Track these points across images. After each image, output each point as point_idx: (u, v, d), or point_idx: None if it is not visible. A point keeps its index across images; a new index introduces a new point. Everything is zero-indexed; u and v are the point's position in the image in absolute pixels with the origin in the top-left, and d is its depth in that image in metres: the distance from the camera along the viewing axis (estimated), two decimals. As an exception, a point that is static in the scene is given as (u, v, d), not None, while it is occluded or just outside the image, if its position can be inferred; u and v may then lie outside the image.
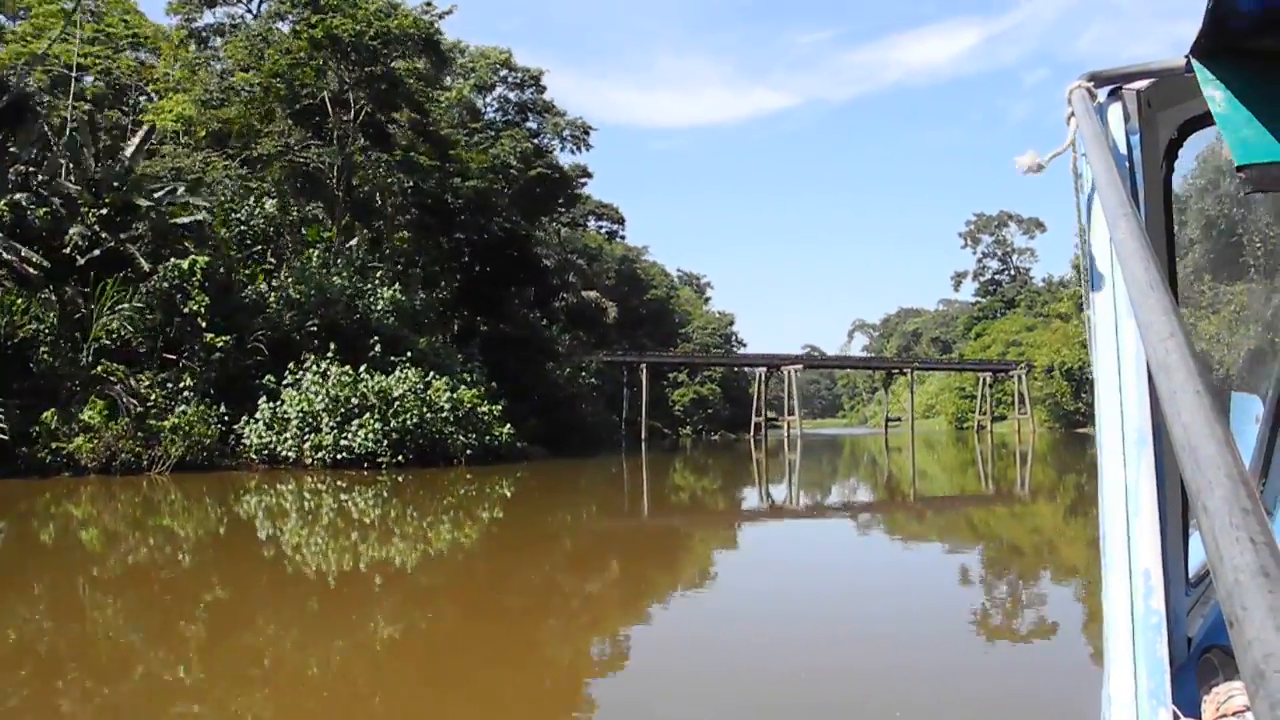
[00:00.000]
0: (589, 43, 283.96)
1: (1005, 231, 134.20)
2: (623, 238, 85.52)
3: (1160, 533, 1.38)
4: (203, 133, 34.05)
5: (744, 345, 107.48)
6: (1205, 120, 1.56)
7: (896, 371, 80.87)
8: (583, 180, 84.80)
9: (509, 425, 29.99)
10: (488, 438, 28.93)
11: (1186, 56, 1.41)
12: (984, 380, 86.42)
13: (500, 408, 29.60)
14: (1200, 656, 1.65)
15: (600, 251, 79.07)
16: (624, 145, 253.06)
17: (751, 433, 73.46)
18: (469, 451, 27.84)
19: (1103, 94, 1.57)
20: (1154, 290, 0.97)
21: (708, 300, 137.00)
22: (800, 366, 70.42)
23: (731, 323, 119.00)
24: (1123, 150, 1.55)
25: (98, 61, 40.76)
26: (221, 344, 25.85)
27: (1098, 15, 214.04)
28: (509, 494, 23.56)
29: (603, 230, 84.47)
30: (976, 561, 14.87)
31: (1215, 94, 1.35)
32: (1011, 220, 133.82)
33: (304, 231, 32.37)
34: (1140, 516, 1.38)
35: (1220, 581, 0.68)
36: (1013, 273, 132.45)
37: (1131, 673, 1.31)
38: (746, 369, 77.57)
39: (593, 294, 65.09)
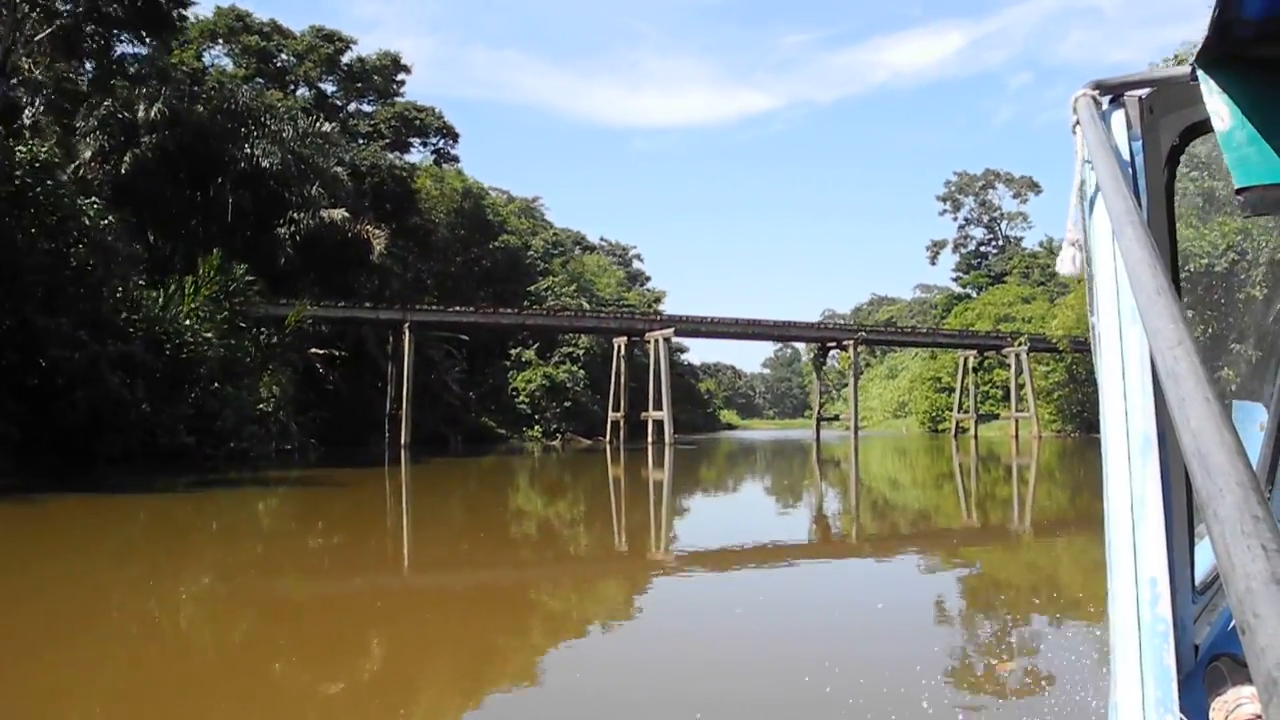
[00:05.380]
0: (574, 43, 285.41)
1: (991, 194, 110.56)
2: (455, 159, 60.86)
3: (1167, 539, 1.34)
4: None
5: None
6: (1207, 126, 1.51)
7: (835, 347, 55.71)
8: (399, 77, 60.32)
9: None
10: None
11: (1192, 65, 1.39)
12: (964, 364, 61.68)
13: None
14: (1208, 664, 1.59)
15: (411, 173, 54.29)
16: (608, 145, 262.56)
17: (608, 434, 48.46)
18: None
19: (1106, 101, 1.55)
20: (1161, 296, 0.96)
21: (647, 279, 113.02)
22: (671, 332, 45.52)
23: (658, 300, 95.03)
24: (1125, 156, 1.52)
25: None
26: None
27: (1080, 21, 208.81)
28: None
29: (427, 148, 59.85)
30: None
31: (1219, 109, 1.34)
32: (999, 180, 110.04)
33: None
34: (1146, 523, 1.34)
35: (1232, 589, 0.67)
36: (1001, 243, 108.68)
37: (1138, 681, 1.28)
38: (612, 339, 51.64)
39: (338, 213, 40.22)
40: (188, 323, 26.26)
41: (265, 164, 40.07)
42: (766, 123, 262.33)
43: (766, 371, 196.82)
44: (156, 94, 37.66)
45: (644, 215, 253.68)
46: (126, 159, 36.62)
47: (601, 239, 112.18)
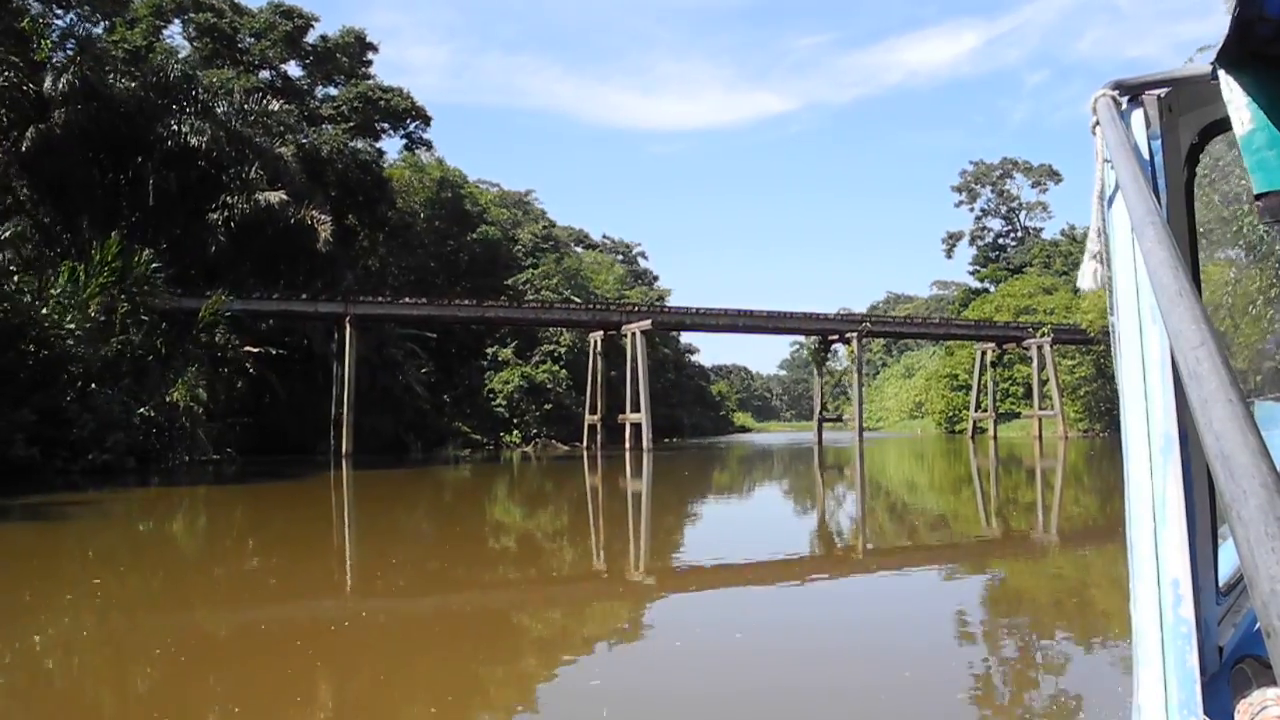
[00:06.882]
0: (589, 47, 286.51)
1: (1009, 184, 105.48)
2: (428, 145, 56.60)
3: (1189, 540, 1.34)
4: None
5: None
6: (1227, 124, 1.49)
7: (837, 341, 50.75)
8: (366, 56, 56.19)
9: None
10: None
11: (1212, 64, 1.38)
12: (982, 358, 56.81)
13: None
14: (1233, 666, 1.54)
15: (377, 158, 50.15)
16: (623, 150, 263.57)
17: (585, 439, 43.92)
18: None
19: (1125, 101, 1.54)
20: (1183, 298, 0.96)
21: (655, 279, 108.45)
22: (649, 324, 40.87)
23: (661, 298, 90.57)
24: (1145, 156, 1.51)
25: None
26: None
27: (1098, 17, 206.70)
28: None
29: (397, 134, 55.68)
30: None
31: (1239, 111, 1.32)
32: (1017, 169, 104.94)
33: None
34: (1168, 524, 1.34)
35: (1256, 592, 0.66)
36: (1020, 234, 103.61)
37: (1161, 683, 1.28)
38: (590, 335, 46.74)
39: (275, 195, 36.01)
40: (45, 311, 22.02)
41: (194, 142, 35.99)
42: (782, 125, 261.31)
43: (783, 373, 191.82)
44: (66, 65, 33.65)
45: (659, 218, 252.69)
46: (30, 135, 32.62)
47: (604, 236, 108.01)
